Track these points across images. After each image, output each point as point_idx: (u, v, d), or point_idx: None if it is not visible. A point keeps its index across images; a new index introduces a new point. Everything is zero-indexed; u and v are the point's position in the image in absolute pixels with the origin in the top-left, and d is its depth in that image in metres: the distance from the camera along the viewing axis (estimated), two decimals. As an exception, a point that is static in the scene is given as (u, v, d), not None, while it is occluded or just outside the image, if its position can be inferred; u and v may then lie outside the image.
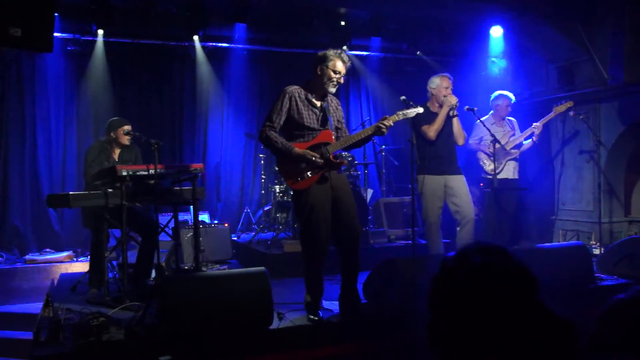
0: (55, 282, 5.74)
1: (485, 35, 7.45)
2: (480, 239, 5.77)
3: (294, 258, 5.17)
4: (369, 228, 6.41)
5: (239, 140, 8.07)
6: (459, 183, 5.27)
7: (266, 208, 7.13)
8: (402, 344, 3.70)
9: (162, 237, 4.90)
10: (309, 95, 4.03)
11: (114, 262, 5.09)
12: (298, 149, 3.90)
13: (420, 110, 4.32)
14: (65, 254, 6.57)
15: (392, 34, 7.91)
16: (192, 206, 4.88)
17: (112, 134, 5.13)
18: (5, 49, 6.17)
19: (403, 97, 4.50)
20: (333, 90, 4.06)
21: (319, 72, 4.01)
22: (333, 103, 4.19)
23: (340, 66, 3.99)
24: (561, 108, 6.22)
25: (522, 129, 6.23)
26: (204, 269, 5.18)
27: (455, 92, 5.30)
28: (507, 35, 7.32)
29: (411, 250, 4.77)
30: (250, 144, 8.09)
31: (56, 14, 5.80)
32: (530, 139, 6.12)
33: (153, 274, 4.92)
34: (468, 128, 5.90)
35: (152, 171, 4.38)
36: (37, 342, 3.38)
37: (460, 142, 5.37)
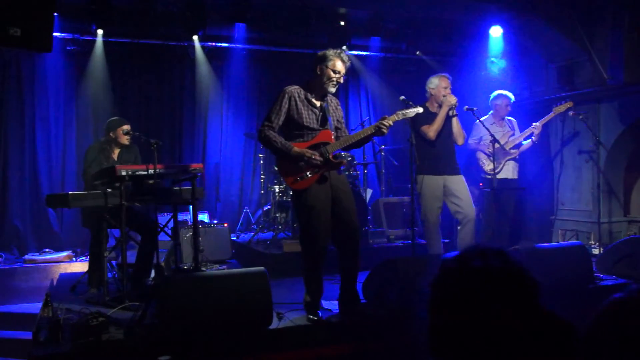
0: (55, 282, 5.74)
1: (485, 35, 7.45)
2: (480, 239, 5.79)
3: (294, 258, 5.18)
4: (369, 228, 6.41)
5: (239, 140, 8.07)
6: (458, 183, 5.28)
7: (265, 208, 7.13)
8: (402, 343, 3.70)
9: (162, 237, 4.91)
10: (309, 95, 4.03)
11: (114, 262, 5.08)
12: (297, 148, 3.90)
13: (420, 110, 4.32)
14: (64, 253, 6.57)
15: (391, 33, 7.91)
16: (191, 206, 4.88)
17: (111, 134, 5.13)
18: (5, 48, 6.17)
19: (402, 97, 4.50)
20: (333, 90, 4.06)
21: (318, 72, 4.01)
22: (333, 103, 4.19)
23: (340, 66, 3.99)
24: (561, 108, 6.23)
25: (522, 129, 6.23)
26: (203, 268, 5.18)
27: (454, 92, 5.30)
28: (506, 35, 7.32)
29: (411, 250, 4.77)
30: (249, 144, 8.09)
31: (56, 14, 5.79)
32: (530, 139, 6.12)
33: (152, 274, 4.92)
34: (468, 128, 5.90)
35: (151, 171, 4.38)
36: (36, 342, 3.38)
37: (460, 141, 5.37)
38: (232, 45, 7.68)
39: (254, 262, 5.56)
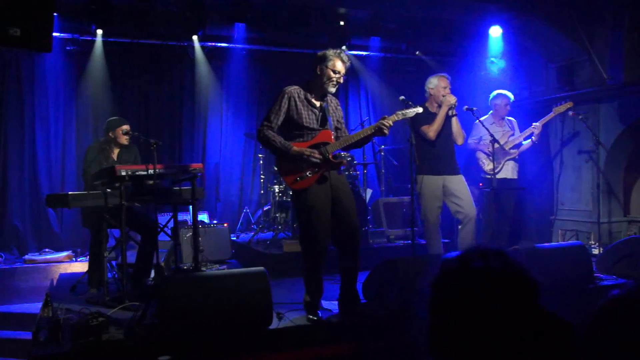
0: (55, 282, 5.74)
1: (485, 35, 7.45)
2: (480, 239, 5.80)
3: (293, 258, 5.18)
4: (368, 228, 6.41)
5: (238, 140, 8.07)
6: (458, 183, 5.28)
7: (265, 208, 7.13)
8: (402, 343, 3.70)
9: (162, 237, 4.91)
10: (309, 95, 4.03)
11: (114, 262, 5.08)
12: (296, 147, 3.89)
13: (420, 110, 4.32)
14: (64, 254, 6.57)
15: (391, 33, 7.91)
16: (191, 206, 4.88)
17: (110, 134, 5.13)
18: (5, 48, 6.16)
19: (402, 97, 4.50)
20: (333, 90, 4.06)
21: (318, 72, 4.01)
22: (332, 103, 4.19)
23: (339, 66, 3.99)
24: (561, 108, 6.23)
25: (522, 129, 6.23)
26: (203, 268, 5.18)
27: (454, 92, 5.30)
28: (506, 35, 7.32)
29: (410, 250, 4.77)
30: (249, 144, 8.09)
31: (55, 14, 5.79)
32: (530, 139, 6.12)
33: (152, 274, 4.92)
34: (467, 128, 5.90)
35: (151, 171, 4.38)
36: (36, 342, 3.38)
37: (460, 141, 5.37)
38: (231, 45, 7.68)
39: (253, 262, 5.56)
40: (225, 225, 6.39)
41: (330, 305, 4.20)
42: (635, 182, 6.92)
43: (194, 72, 7.72)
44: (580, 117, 6.56)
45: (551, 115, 6.24)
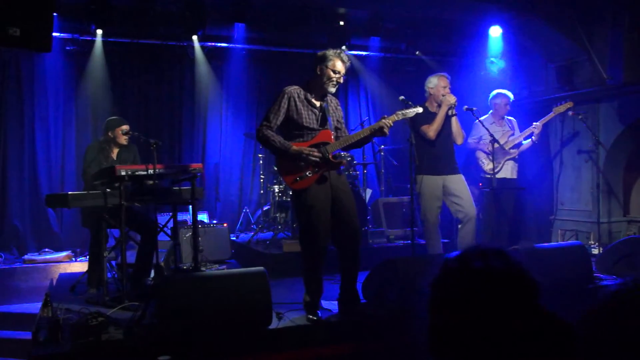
0: (54, 282, 5.73)
1: (484, 35, 7.45)
2: (479, 238, 5.79)
3: (293, 258, 5.18)
4: (368, 228, 6.41)
5: (238, 140, 8.07)
6: (458, 182, 5.28)
7: (265, 208, 7.13)
8: (402, 343, 3.70)
9: (161, 237, 4.91)
10: (309, 95, 4.03)
11: (113, 262, 5.08)
12: (295, 146, 3.89)
13: (420, 110, 4.32)
14: (64, 253, 6.56)
15: (391, 33, 7.91)
16: (191, 206, 4.88)
17: (110, 134, 5.13)
18: (4, 48, 6.16)
19: (402, 97, 4.49)
20: (333, 90, 4.06)
21: (318, 72, 4.00)
22: (332, 103, 4.19)
23: (339, 66, 3.99)
24: (561, 108, 6.23)
25: (522, 129, 6.23)
26: (202, 268, 5.18)
27: (454, 92, 5.30)
28: (506, 35, 7.32)
29: (410, 250, 4.77)
30: (249, 144, 8.09)
31: (55, 14, 5.78)
32: (530, 139, 6.12)
33: (152, 274, 4.92)
34: (467, 128, 5.90)
35: (151, 171, 4.38)
36: (36, 342, 3.38)
37: (459, 141, 5.37)
38: (231, 45, 7.68)
39: (253, 262, 5.56)
40: (225, 225, 6.39)
41: (330, 305, 4.20)
42: (634, 182, 6.92)
43: (194, 72, 7.72)
44: (580, 117, 6.56)
45: (551, 115, 6.25)
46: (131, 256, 4.77)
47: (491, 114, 6.19)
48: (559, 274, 4.35)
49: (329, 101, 4.13)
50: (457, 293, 1.19)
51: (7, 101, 6.84)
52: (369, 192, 7.28)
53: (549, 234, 7.36)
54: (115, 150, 5.17)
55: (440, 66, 7.60)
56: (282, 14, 7.23)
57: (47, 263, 6.33)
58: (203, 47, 7.54)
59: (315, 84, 4.05)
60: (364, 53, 8.30)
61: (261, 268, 3.82)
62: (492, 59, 7.48)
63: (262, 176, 7.43)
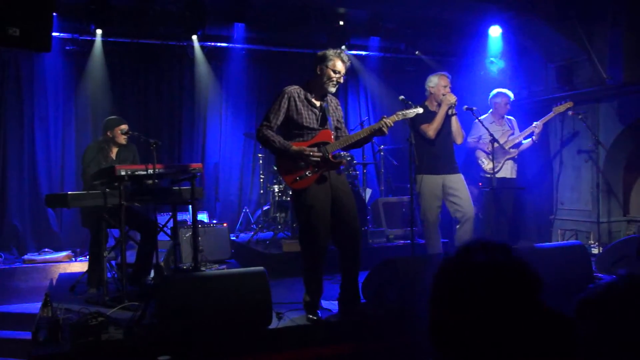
0: (54, 282, 5.73)
1: (484, 35, 7.45)
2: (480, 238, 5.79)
3: (293, 258, 5.18)
4: (368, 228, 6.41)
5: (238, 140, 8.07)
6: (457, 182, 5.27)
7: (265, 208, 7.13)
8: (401, 343, 3.70)
9: (161, 236, 4.91)
10: (309, 95, 4.03)
11: (113, 262, 5.08)
12: (295, 146, 3.89)
13: (420, 110, 4.32)
14: (64, 253, 6.56)
15: (390, 33, 7.91)
16: (190, 206, 4.88)
17: (109, 133, 5.13)
18: (4, 48, 6.16)
19: (402, 97, 4.49)
20: (333, 90, 4.06)
21: (318, 72, 4.00)
22: (332, 103, 4.19)
23: (340, 66, 3.98)
24: (561, 108, 6.22)
25: (521, 129, 6.23)
26: (202, 268, 5.18)
27: (454, 91, 5.30)
28: (505, 35, 7.32)
29: (410, 249, 4.77)
30: (249, 144, 8.09)
31: (55, 14, 5.78)
32: (530, 139, 6.12)
33: (152, 274, 4.92)
34: (467, 128, 5.90)
35: (150, 171, 4.38)
36: (36, 342, 3.38)
37: (459, 140, 5.37)
38: (231, 45, 7.68)
39: (253, 262, 5.56)
40: (225, 225, 6.39)
41: (330, 305, 4.21)
42: (634, 181, 6.92)
43: (194, 72, 7.72)
44: (579, 116, 6.56)
45: (551, 115, 6.24)
46: (131, 256, 4.77)
47: (491, 114, 6.18)
48: (558, 273, 4.35)
49: (329, 101, 4.13)
50: (458, 286, 1.18)
51: (6, 101, 6.84)
52: (368, 191, 7.28)
53: (548, 234, 7.36)
54: (115, 150, 5.17)
55: (440, 66, 7.59)
56: (281, 14, 7.23)
57: (47, 263, 6.33)
58: (203, 47, 7.54)
59: (315, 84, 4.05)
60: (363, 53, 8.31)
61: (261, 268, 3.82)
62: (492, 58, 7.48)
63: (261, 176, 7.43)
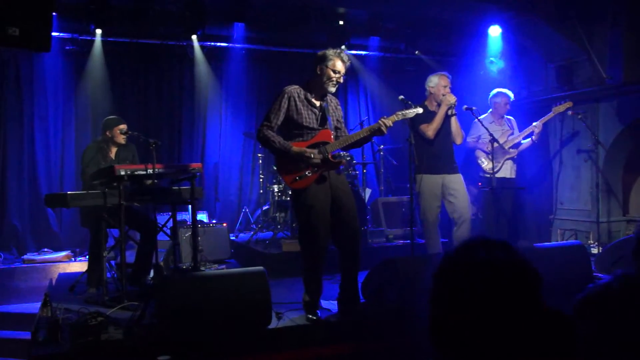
0: (54, 281, 5.73)
1: (484, 35, 7.45)
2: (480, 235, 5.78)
3: (293, 257, 5.18)
4: (368, 227, 6.41)
5: (238, 139, 8.07)
6: (456, 182, 5.27)
7: (264, 207, 7.13)
8: (401, 343, 3.70)
9: (161, 236, 4.91)
10: (309, 95, 4.03)
11: (113, 262, 5.08)
12: (295, 147, 3.89)
13: (420, 110, 4.31)
14: (63, 253, 6.56)
15: (390, 33, 7.92)
16: (190, 206, 4.88)
17: (107, 133, 5.13)
18: (4, 48, 6.16)
19: (402, 97, 4.48)
20: (333, 89, 4.06)
21: (318, 72, 4.00)
22: (332, 103, 4.19)
23: (339, 66, 3.98)
24: (560, 108, 6.22)
25: (520, 128, 6.22)
26: (202, 268, 5.18)
27: (453, 91, 5.29)
28: (505, 35, 7.32)
29: (410, 249, 4.77)
30: (248, 144, 8.09)
31: (54, 14, 5.79)
32: (529, 138, 6.11)
33: (151, 274, 4.92)
34: (467, 128, 5.90)
35: (150, 171, 4.37)
36: (35, 342, 3.38)
37: (458, 141, 5.37)
38: (231, 44, 7.68)
39: (253, 261, 5.56)
40: (225, 224, 6.40)
41: (330, 304, 4.20)
42: (634, 181, 6.92)
43: (193, 71, 7.72)
44: (579, 116, 6.56)
45: (550, 115, 6.24)
46: (130, 256, 4.77)
47: (490, 113, 6.18)
48: (558, 273, 4.34)
49: (329, 101, 4.13)
50: (458, 284, 1.18)
51: (6, 101, 6.84)
52: (368, 191, 7.28)
53: (548, 234, 7.36)
54: (114, 150, 5.17)
55: (439, 66, 7.60)
56: (281, 14, 7.23)
57: (47, 263, 6.33)
58: (202, 47, 7.54)
59: (315, 84, 4.05)
60: (363, 53, 8.31)
61: (261, 268, 3.82)
62: (492, 58, 7.48)
63: (261, 176, 7.43)
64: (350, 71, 7.19)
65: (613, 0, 6.39)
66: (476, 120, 5.75)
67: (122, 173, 4.26)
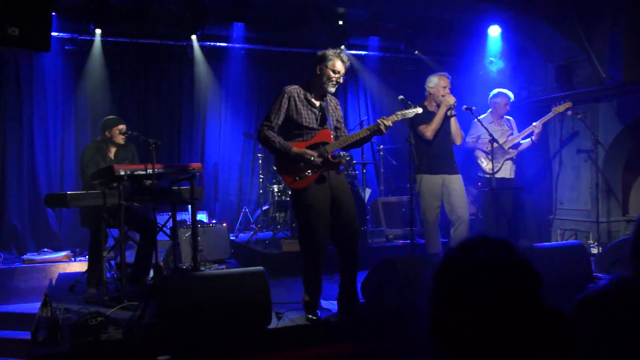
0: (54, 281, 5.73)
1: (483, 35, 7.45)
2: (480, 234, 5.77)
3: (292, 257, 5.18)
4: (367, 227, 6.41)
5: (237, 139, 8.07)
6: (456, 183, 5.27)
7: (264, 207, 7.13)
8: (401, 343, 3.70)
9: (160, 236, 4.90)
10: (308, 95, 4.03)
11: (112, 262, 5.08)
12: (296, 148, 3.89)
13: (419, 110, 4.31)
14: (63, 253, 6.56)
15: (390, 33, 7.92)
16: (190, 206, 4.88)
17: (107, 133, 5.13)
18: (3, 48, 6.16)
19: (401, 97, 4.48)
20: (332, 89, 4.06)
21: (318, 72, 4.00)
22: (332, 102, 4.19)
23: (339, 66, 3.98)
24: (560, 108, 6.22)
25: (520, 129, 6.22)
26: (202, 268, 5.18)
27: (453, 91, 5.29)
28: (505, 35, 7.32)
29: (410, 249, 4.77)
30: (248, 144, 8.09)
31: (54, 14, 5.79)
32: (529, 139, 6.11)
33: (151, 274, 4.91)
34: (466, 127, 5.90)
35: (150, 171, 4.37)
36: (35, 342, 3.38)
37: (458, 141, 5.37)
38: (230, 44, 7.68)
39: (252, 261, 5.56)
40: (224, 225, 6.40)
41: (330, 304, 4.20)
42: (634, 181, 6.93)
43: (193, 71, 7.72)
44: (579, 116, 6.56)
45: (550, 115, 6.24)
46: (130, 256, 4.77)
47: (490, 113, 6.18)
48: (558, 273, 4.35)
49: (329, 101, 4.13)
50: (458, 283, 1.18)
51: (6, 101, 6.84)
52: (368, 191, 7.28)
53: (548, 234, 7.36)
54: (113, 150, 5.17)
55: (439, 66, 7.61)
56: (281, 14, 7.23)
57: (46, 263, 6.33)
58: (202, 47, 7.54)
59: (315, 84, 4.05)
60: (363, 52, 8.31)
61: (260, 268, 3.82)
62: (491, 58, 7.48)
63: (261, 176, 7.43)
64: (350, 71, 7.19)
65: (613, 0, 6.39)
66: (476, 120, 5.74)
67: (122, 173, 4.26)
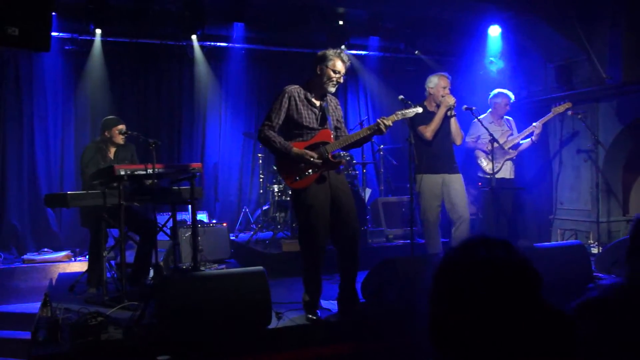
0: (54, 281, 5.73)
1: (483, 35, 7.45)
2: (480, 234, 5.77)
3: (292, 257, 5.18)
4: (368, 227, 6.41)
5: (237, 139, 8.07)
6: (456, 182, 5.27)
7: (264, 207, 7.13)
8: (401, 343, 3.70)
9: (161, 236, 4.90)
10: (309, 95, 4.03)
11: (112, 262, 5.08)
12: (296, 148, 3.89)
13: (419, 110, 4.31)
14: (63, 253, 6.56)
15: (390, 33, 7.92)
16: (190, 206, 4.88)
17: (106, 133, 5.13)
18: (3, 48, 6.16)
19: (401, 97, 4.48)
20: (333, 89, 4.06)
21: (318, 72, 4.00)
22: (332, 102, 4.19)
23: (339, 66, 3.98)
24: (560, 109, 6.22)
25: (520, 129, 6.22)
26: (202, 268, 5.18)
27: (453, 91, 5.29)
28: (505, 35, 7.32)
29: (410, 249, 4.77)
30: (248, 144, 8.09)
31: (54, 14, 5.79)
32: (529, 139, 6.11)
33: (151, 274, 4.91)
34: (466, 128, 5.90)
35: (150, 171, 4.37)
36: (35, 342, 3.38)
37: (458, 141, 5.37)
38: (230, 44, 7.68)
39: (252, 261, 5.56)
40: (224, 224, 6.40)
41: (330, 304, 4.21)
42: (634, 181, 6.93)
43: (193, 71, 7.72)
44: (579, 116, 6.56)
45: (550, 115, 6.24)
46: (130, 256, 4.77)
47: (490, 113, 6.18)
48: (558, 273, 4.35)
49: (329, 101, 4.13)
50: (458, 283, 1.18)
51: (5, 101, 6.84)
52: (368, 191, 7.28)
53: (548, 234, 7.36)
54: (113, 150, 5.17)
55: (439, 66, 7.60)
56: (281, 14, 7.23)
57: (47, 263, 6.33)
58: (202, 47, 7.53)
59: (315, 84, 4.05)
60: (363, 52, 8.31)
61: (260, 268, 3.82)
62: (491, 58, 7.48)
63: (261, 176, 7.43)
64: (350, 71, 7.18)
65: (613, 0, 6.38)
66: (476, 120, 5.74)
67: (122, 173, 4.26)
